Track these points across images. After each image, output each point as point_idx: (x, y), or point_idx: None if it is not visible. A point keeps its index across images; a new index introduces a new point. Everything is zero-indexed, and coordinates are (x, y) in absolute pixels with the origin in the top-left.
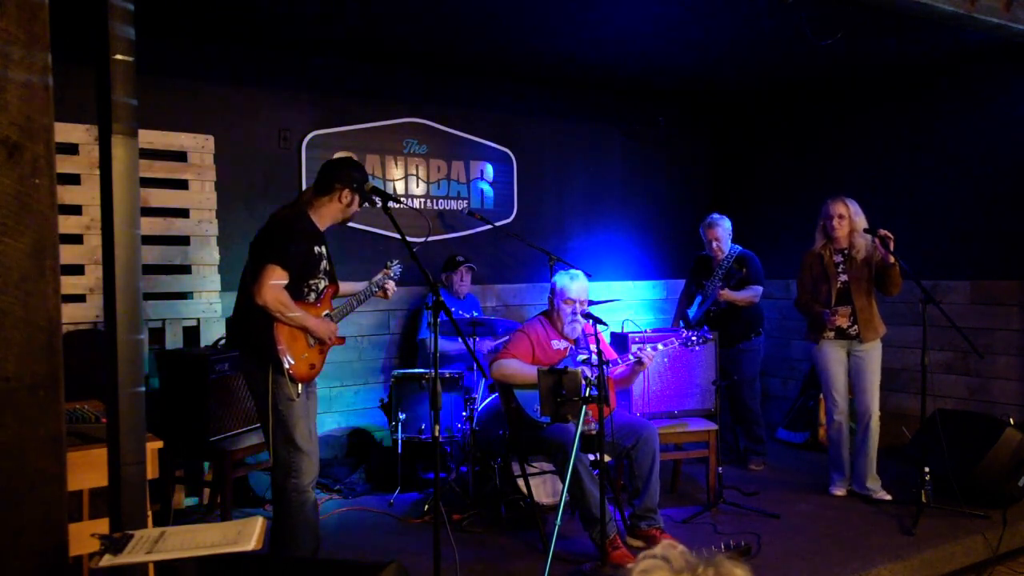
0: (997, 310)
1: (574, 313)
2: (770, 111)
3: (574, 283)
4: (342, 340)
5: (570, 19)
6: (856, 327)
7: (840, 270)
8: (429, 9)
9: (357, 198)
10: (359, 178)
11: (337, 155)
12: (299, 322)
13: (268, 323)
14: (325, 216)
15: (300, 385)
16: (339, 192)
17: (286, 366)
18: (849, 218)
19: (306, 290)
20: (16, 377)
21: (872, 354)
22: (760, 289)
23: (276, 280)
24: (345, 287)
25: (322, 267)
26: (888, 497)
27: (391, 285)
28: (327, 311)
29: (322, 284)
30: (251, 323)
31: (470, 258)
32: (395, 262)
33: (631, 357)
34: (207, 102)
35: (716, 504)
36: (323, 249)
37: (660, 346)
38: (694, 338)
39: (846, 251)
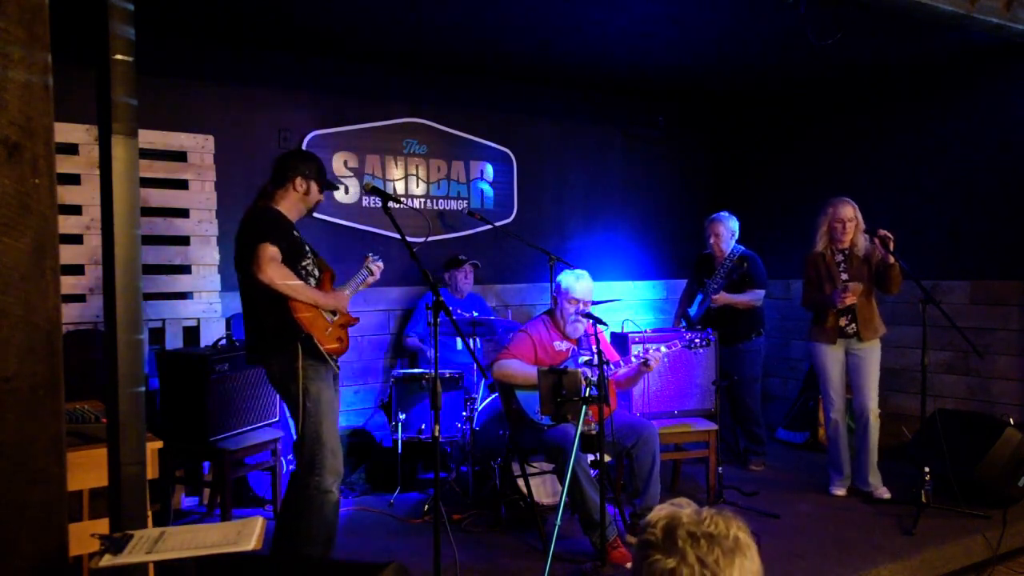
0: (997, 310)
1: (577, 313)
2: (770, 111)
3: (579, 283)
4: (356, 319)
5: (570, 19)
6: (854, 326)
7: (841, 269)
8: (429, 9)
9: (314, 185)
10: (312, 167)
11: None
12: (308, 296)
13: (284, 309)
14: (291, 208)
15: (334, 361)
16: (292, 181)
17: (315, 341)
18: (856, 221)
19: (303, 274)
20: (16, 377)
21: (871, 353)
22: (762, 293)
23: (272, 255)
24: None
25: (307, 250)
26: (887, 495)
27: (376, 268)
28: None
29: (316, 271)
30: (269, 315)
31: (469, 258)
32: (373, 256)
33: (633, 359)
34: (207, 102)
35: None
36: (301, 236)
37: (663, 348)
38: (697, 340)
39: (847, 251)
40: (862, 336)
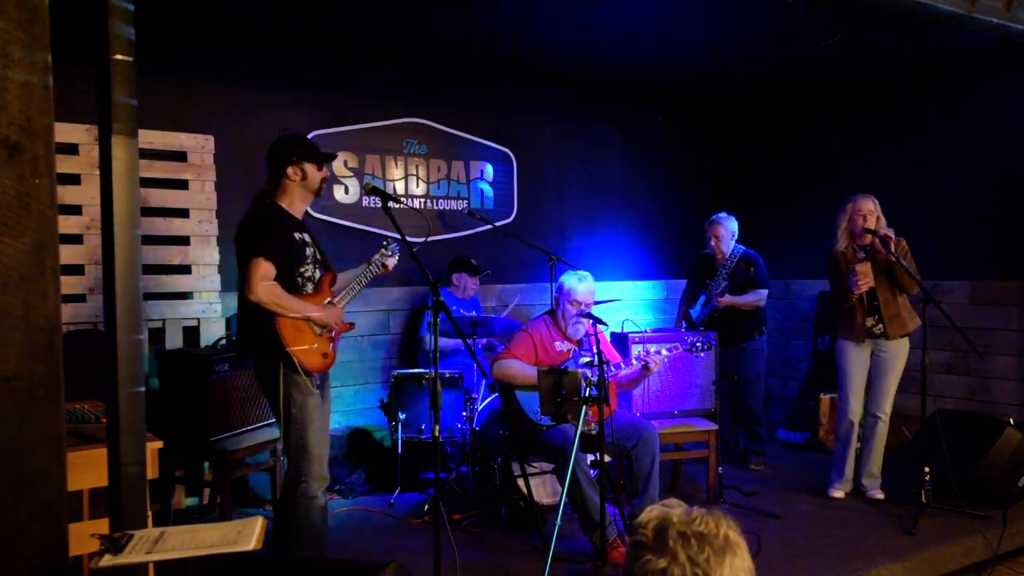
0: (997, 310)
1: (578, 315)
2: (770, 111)
3: (581, 285)
4: (351, 326)
5: (570, 19)
6: (881, 326)
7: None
8: (430, 9)
9: (308, 166)
10: (300, 149)
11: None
12: (299, 312)
13: (270, 320)
14: (295, 200)
15: (316, 377)
16: (284, 173)
17: (295, 360)
18: (877, 215)
19: (300, 280)
20: (16, 377)
21: (897, 352)
22: (765, 292)
23: (264, 273)
24: (343, 276)
25: (308, 254)
26: (881, 495)
27: (391, 261)
28: (328, 299)
29: (316, 274)
30: (255, 323)
31: (484, 266)
32: (391, 242)
33: (635, 361)
34: (207, 102)
35: (716, 504)
36: (306, 236)
37: (664, 351)
38: (698, 344)
39: (868, 247)
40: (890, 333)
